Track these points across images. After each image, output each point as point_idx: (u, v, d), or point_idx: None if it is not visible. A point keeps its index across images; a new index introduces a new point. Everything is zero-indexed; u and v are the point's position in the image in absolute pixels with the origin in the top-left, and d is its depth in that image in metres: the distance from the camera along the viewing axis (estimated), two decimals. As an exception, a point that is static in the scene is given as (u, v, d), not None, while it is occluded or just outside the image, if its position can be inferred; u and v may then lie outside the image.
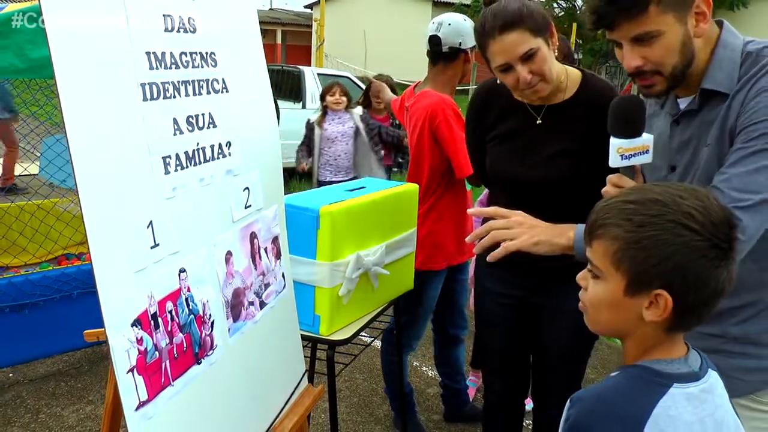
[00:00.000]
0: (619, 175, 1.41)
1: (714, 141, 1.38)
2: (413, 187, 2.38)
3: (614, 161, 1.40)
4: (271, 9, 39.27)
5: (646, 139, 1.39)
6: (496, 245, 2.05)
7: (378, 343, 3.90)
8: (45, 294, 3.20)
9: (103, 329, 1.17)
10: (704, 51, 1.39)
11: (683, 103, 1.46)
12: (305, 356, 2.06)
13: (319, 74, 8.87)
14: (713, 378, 1.08)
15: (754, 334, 1.44)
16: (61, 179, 3.60)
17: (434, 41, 2.55)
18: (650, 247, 1.00)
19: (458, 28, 2.54)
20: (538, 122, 1.91)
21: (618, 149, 1.39)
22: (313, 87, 8.52)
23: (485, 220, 2.23)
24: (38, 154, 3.85)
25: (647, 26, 1.33)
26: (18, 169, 3.78)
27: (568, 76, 1.89)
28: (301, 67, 8.91)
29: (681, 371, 1.05)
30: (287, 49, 32.78)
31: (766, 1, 24.42)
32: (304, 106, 8.39)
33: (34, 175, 3.78)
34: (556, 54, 1.83)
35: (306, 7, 35.44)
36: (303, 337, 2.04)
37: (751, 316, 1.44)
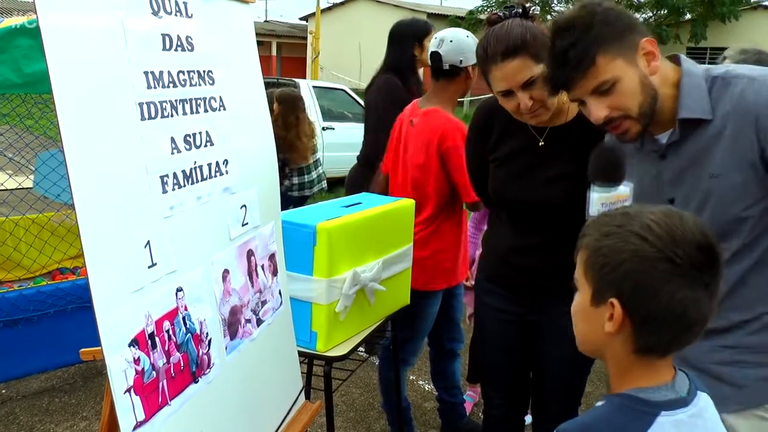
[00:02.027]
0: None
1: (726, 170, 1.38)
2: (410, 203, 2.38)
3: (593, 211, 1.44)
4: (266, 21, 39.47)
5: (626, 189, 1.42)
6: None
7: (374, 358, 3.90)
8: (39, 309, 3.18)
9: (99, 347, 1.16)
10: (666, 86, 1.43)
11: (663, 138, 1.48)
12: (302, 372, 2.06)
13: (314, 87, 8.89)
14: (703, 401, 1.07)
15: None
16: (55, 194, 3.59)
17: (435, 57, 2.54)
18: (607, 254, 1.03)
19: (460, 45, 2.50)
20: (540, 144, 1.91)
21: (599, 199, 1.43)
22: (308, 100, 8.53)
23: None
24: (32, 168, 3.84)
25: (601, 77, 1.38)
26: (12, 183, 3.76)
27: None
28: (296, 80, 8.93)
29: (668, 398, 1.04)
30: (282, 61, 32.89)
31: (755, 14, 24.67)
32: (299, 119, 8.39)
33: (28, 189, 3.77)
34: None
35: (301, 19, 35.58)
36: (300, 354, 2.03)
37: (766, 325, 1.44)
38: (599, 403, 1.09)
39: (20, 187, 3.76)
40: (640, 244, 1.00)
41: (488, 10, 26.02)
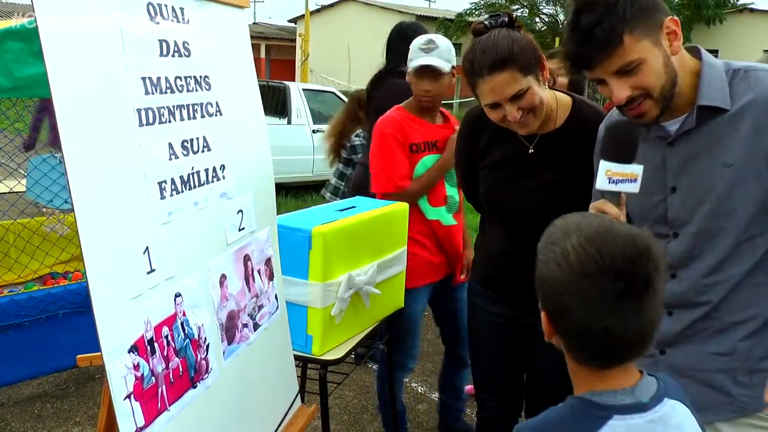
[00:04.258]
0: (604, 201, 1.40)
1: (741, 161, 1.37)
2: (404, 206, 2.39)
3: (601, 183, 1.39)
4: (254, 23, 39.37)
5: (637, 168, 1.38)
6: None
7: (370, 361, 3.90)
8: (31, 314, 3.16)
9: (95, 354, 1.16)
10: (683, 71, 1.41)
11: (673, 125, 1.46)
12: (296, 375, 2.06)
13: (304, 90, 8.90)
14: (668, 407, 1.06)
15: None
16: (48, 199, 3.58)
17: None
18: (539, 269, 1.08)
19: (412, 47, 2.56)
20: (530, 151, 1.91)
21: (607, 171, 1.38)
22: (298, 102, 8.55)
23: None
24: (24, 173, 3.82)
25: (627, 57, 1.34)
26: (3, 188, 3.73)
27: (558, 104, 1.89)
28: (286, 82, 8.93)
29: (624, 402, 1.04)
30: (271, 63, 32.83)
31: (740, 17, 24.90)
32: (289, 122, 8.41)
33: (20, 193, 3.74)
34: (547, 86, 1.83)
35: (290, 21, 35.53)
36: (294, 357, 2.04)
37: (759, 329, 1.44)
38: (558, 405, 1.10)
39: (11, 191, 3.74)
40: (555, 269, 1.03)
41: (476, 12, 26.10)
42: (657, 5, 1.37)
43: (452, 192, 2.55)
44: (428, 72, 2.47)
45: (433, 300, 2.83)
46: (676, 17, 1.39)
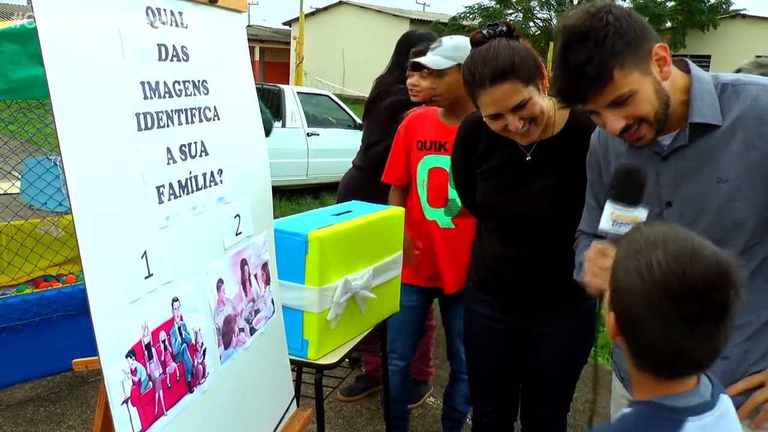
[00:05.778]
0: (605, 244, 1.41)
1: (735, 175, 1.39)
2: (399, 211, 2.40)
3: (605, 225, 1.40)
4: (249, 26, 39.32)
5: (642, 213, 1.37)
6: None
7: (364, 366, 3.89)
8: (24, 317, 3.13)
9: (91, 358, 1.16)
10: (674, 90, 1.43)
11: (666, 140, 1.47)
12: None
13: (298, 92, 8.90)
14: (725, 403, 1.09)
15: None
16: (42, 201, 3.56)
17: None
18: (617, 274, 1.08)
19: None
20: (528, 158, 1.92)
21: (612, 214, 1.38)
22: (293, 105, 8.54)
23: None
24: (17, 175, 3.80)
25: (618, 91, 1.36)
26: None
27: (555, 111, 1.90)
28: (281, 85, 8.92)
29: (693, 403, 1.06)
30: (265, 66, 32.79)
31: (734, 22, 25.05)
32: (284, 125, 8.40)
33: (14, 195, 3.72)
34: (547, 94, 1.83)
35: (284, 23, 35.52)
36: (290, 361, 2.03)
37: (754, 334, 1.46)
38: (626, 410, 1.10)
39: (5, 192, 3.72)
40: (637, 280, 1.03)
41: (470, 16, 26.16)
42: (645, 34, 1.39)
43: (455, 195, 2.55)
44: (418, 68, 2.52)
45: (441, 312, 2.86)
46: (665, 44, 1.41)
